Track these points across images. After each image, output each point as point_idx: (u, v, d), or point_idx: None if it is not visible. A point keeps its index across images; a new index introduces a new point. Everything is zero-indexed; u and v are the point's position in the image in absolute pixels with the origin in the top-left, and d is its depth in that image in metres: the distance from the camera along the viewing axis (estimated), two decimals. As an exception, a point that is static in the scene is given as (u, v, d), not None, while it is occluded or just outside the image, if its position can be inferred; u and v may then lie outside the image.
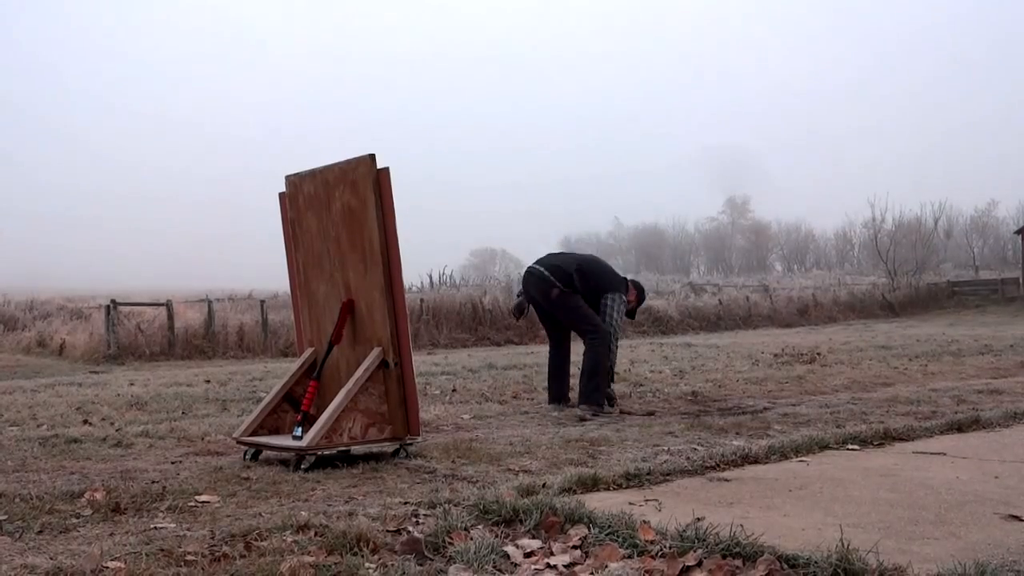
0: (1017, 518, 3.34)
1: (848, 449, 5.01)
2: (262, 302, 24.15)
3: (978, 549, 2.92)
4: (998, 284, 44.25)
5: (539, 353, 16.80)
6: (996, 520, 3.33)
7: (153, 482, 4.50)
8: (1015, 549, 2.91)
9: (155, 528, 3.54)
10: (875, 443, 5.18)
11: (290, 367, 6.02)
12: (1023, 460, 4.57)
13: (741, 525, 3.05)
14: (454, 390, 9.26)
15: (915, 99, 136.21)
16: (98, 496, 4.06)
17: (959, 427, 5.71)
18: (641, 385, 9.51)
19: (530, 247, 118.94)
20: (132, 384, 11.31)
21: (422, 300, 25.97)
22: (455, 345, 23.72)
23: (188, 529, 3.50)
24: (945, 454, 4.79)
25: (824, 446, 5.02)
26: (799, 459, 4.71)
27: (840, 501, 3.69)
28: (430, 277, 38.47)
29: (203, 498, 4.12)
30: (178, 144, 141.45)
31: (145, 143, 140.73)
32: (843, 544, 2.78)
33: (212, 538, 3.28)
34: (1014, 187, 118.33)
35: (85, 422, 7.16)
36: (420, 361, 14.43)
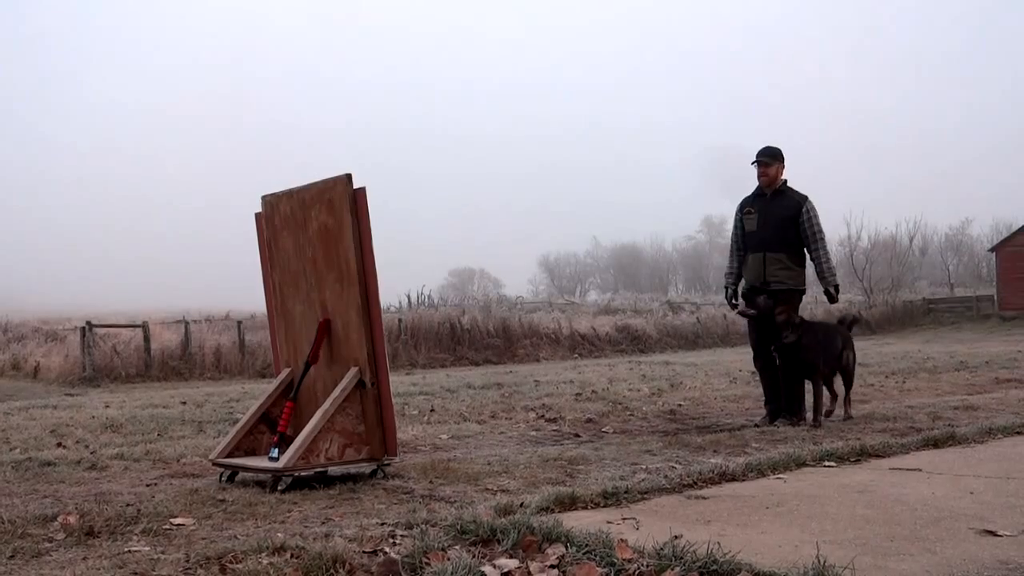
0: (992, 533, 3.36)
1: (825, 466, 5.03)
2: (239, 323, 24.02)
3: (953, 564, 2.93)
4: (973, 301, 44.65)
5: (517, 372, 16.81)
6: (971, 535, 3.34)
7: (127, 505, 4.46)
8: (989, 564, 2.93)
9: (129, 552, 3.50)
10: (852, 460, 5.20)
11: (267, 388, 6.00)
12: (998, 476, 4.60)
13: (718, 543, 3.05)
14: (432, 410, 9.24)
15: (889, 116, 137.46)
16: (71, 520, 4.02)
17: (935, 443, 5.74)
18: (619, 403, 9.51)
19: (508, 267, 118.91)
20: (107, 406, 11.22)
21: (400, 320, 25.93)
22: (433, 365, 23.68)
23: (162, 552, 3.47)
24: (921, 470, 4.81)
25: (801, 463, 5.03)
26: (776, 476, 4.72)
27: (817, 518, 3.70)
28: (408, 297, 38.40)
29: (178, 521, 4.09)
30: (153, 163, 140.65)
31: (120, 162, 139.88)
32: (819, 561, 2.79)
33: (187, 561, 3.25)
34: (988, 205, 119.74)
35: (59, 445, 7.10)
36: (398, 381, 14.39)
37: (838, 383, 7.92)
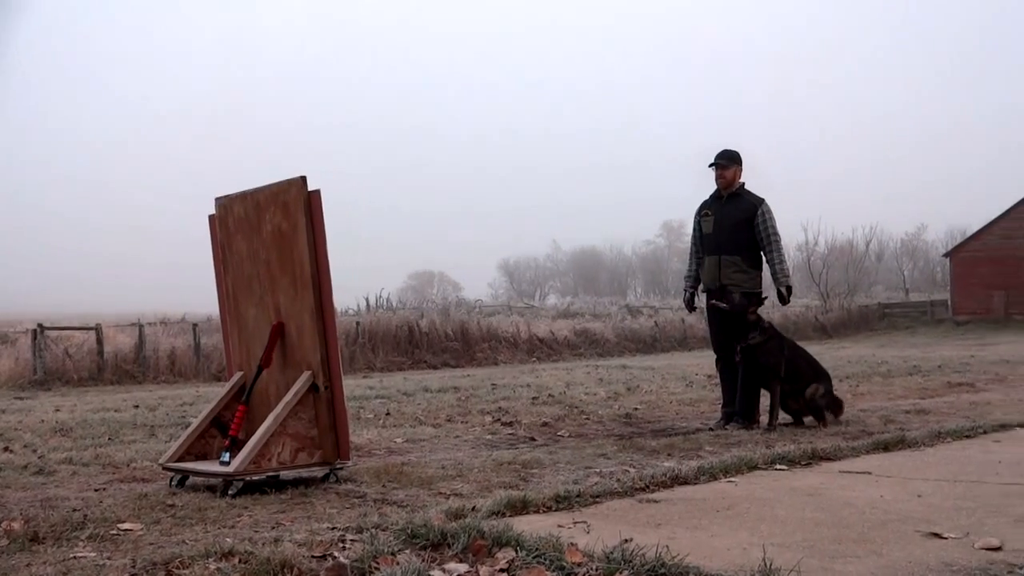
0: (938, 536, 3.39)
1: (776, 469, 5.06)
2: (194, 326, 23.75)
3: (899, 567, 2.96)
4: (927, 306, 45.28)
5: (474, 376, 16.79)
6: (917, 538, 3.38)
7: (74, 510, 4.39)
8: (935, 566, 2.96)
9: (74, 558, 3.45)
10: (803, 463, 5.24)
11: (220, 391, 5.94)
12: (946, 479, 4.66)
13: (667, 546, 3.06)
14: (388, 414, 9.20)
15: (844, 125, 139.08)
16: (15, 526, 3.95)
17: (885, 447, 5.80)
18: (576, 407, 9.52)
19: (468, 271, 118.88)
20: (58, 410, 11.07)
21: (358, 323, 25.79)
22: (391, 368, 23.58)
23: (109, 558, 3.42)
24: (871, 473, 4.86)
25: (753, 466, 5.06)
26: (728, 480, 4.75)
27: (766, 521, 3.72)
28: (367, 300, 38.25)
29: (126, 526, 4.03)
30: (107, 162, 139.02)
31: (72, 160, 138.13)
32: (766, 564, 2.80)
33: (133, 567, 3.21)
34: (942, 211, 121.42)
35: (6, 449, 6.98)
36: (355, 384, 14.32)
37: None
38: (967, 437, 6.26)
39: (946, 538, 3.36)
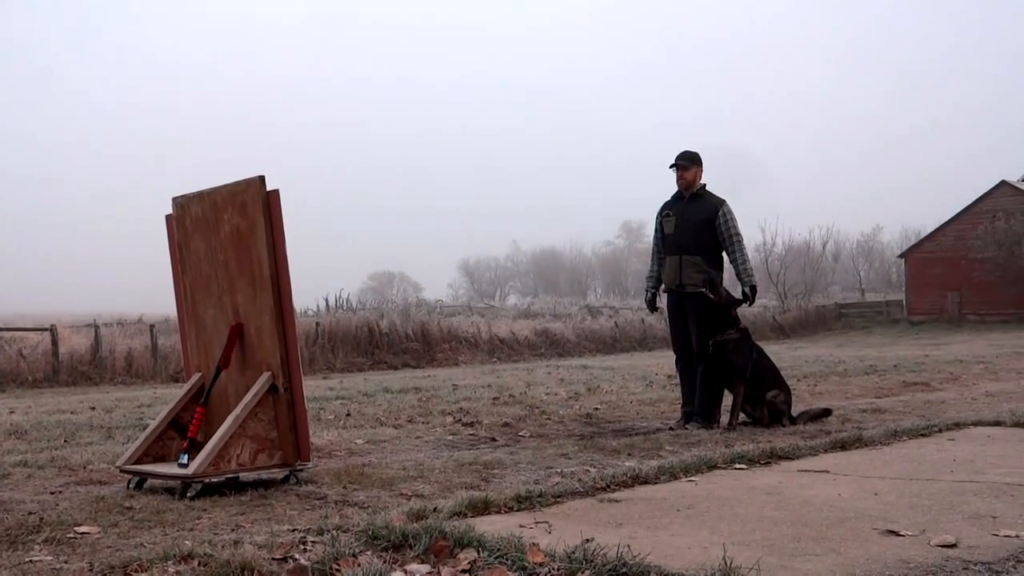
0: (894, 533, 3.44)
1: (736, 468, 5.10)
2: (152, 326, 23.55)
3: (857, 564, 2.99)
4: (883, 306, 45.90)
5: (435, 376, 16.76)
6: (875, 535, 3.42)
7: (30, 513, 4.34)
8: (891, 563, 3.00)
9: (30, 562, 3.41)
10: (762, 462, 5.28)
11: (178, 393, 5.89)
12: (902, 477, 4.71)
13: (628, 545, 3.08)
14: (348, 415, 9.16)
15: (800, 128, 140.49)
16: (-31, 529, 3.90)
17: (842, 445, 5.86)
18: (536, 407, 9.53)
19: (428, 271, 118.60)
20: (12, 412, 10.91)
21: (318, 324, 25.66)
22: (351, 369, 23.50)
23: (65, 562, 3.38)
24: (828, 472, 4.91)
25: (713, 466, 5.10)
26: (688, 479, 4.78)
27: (726, 519, 3.75)
28: (326, 301, 38.06)
29: (83, 529, 3.99)
30: (62, 159, 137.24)
31: (27, 158, 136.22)
32: (726, 562, 2.82)
33: (90, 570, 3.18)
34: (898, 212, 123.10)
35: (-40, 452, 6.88)
36: (315, 385, 14.25)
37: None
38: (922, 436, 6.34)
39: (903, 535, 3.40)
